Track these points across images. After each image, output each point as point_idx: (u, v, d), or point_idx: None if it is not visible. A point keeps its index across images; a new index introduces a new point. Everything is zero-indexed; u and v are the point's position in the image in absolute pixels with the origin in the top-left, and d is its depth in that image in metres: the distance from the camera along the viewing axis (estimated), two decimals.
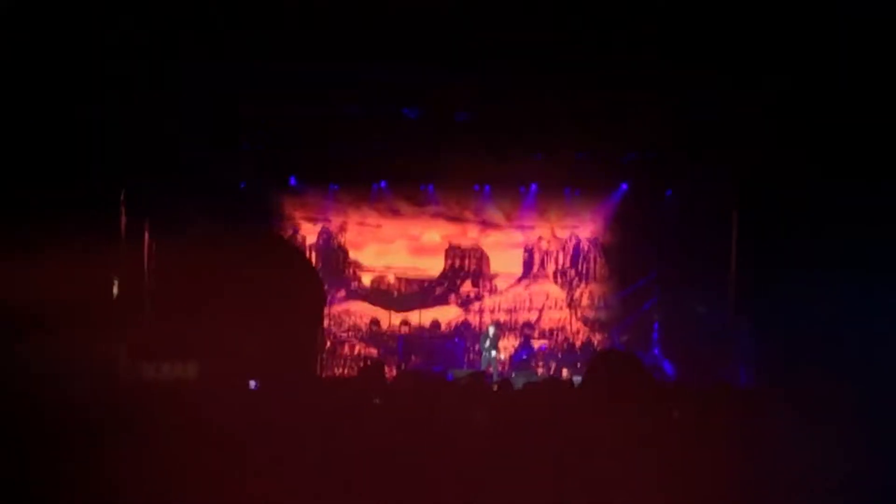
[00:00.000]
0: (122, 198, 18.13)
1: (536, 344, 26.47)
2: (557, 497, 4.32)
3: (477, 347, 25.30)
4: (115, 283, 17.39)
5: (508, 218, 26.96)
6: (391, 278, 26.92)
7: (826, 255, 16.46)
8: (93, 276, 15.33)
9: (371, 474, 4.90)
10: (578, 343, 26.46)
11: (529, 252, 27.31)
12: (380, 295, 26.81)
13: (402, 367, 23.81)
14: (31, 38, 14.25)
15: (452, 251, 27.04)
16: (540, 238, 27.26)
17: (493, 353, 24.23)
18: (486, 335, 24.47)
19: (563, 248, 27.32)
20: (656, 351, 24.80)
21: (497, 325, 25.35)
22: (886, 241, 15.22)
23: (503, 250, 27.27)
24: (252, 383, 5.74)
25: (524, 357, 25.61)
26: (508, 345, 26.25)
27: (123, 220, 18.20)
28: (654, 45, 15.70)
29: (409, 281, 26.94)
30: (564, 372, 24.35)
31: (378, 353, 25.93)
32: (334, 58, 16.55)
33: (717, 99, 18.09)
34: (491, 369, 23.32)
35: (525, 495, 4.43)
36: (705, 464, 4.56)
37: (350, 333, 26.51)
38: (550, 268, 27.33)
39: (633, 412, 4.52)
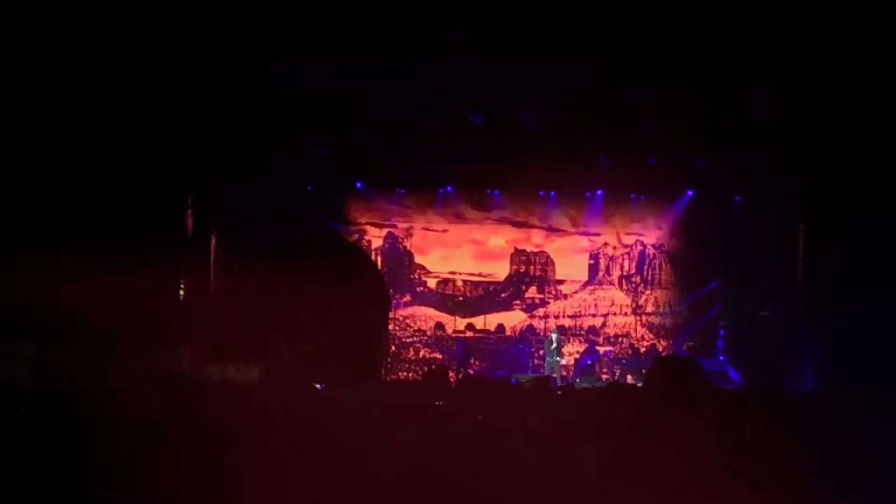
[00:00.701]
0: (188, 200, 18.26)
1: (601, 349, 26.41)
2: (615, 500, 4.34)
3: (541, 352, 25.33)
4: (182, 285, 17.52)
5: (574, 223, 26.92)
6: (457, 283, 26.97)
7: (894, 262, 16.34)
8: (159, 279, 15.45)
9: (435, 477, 4.93)
10: (643, 349, 26.37)
11: (595, 257, 27.28)
12: (445, 299, 26.87)
13: (461, 371, 23.82)
14: (101, 39, 14.38)
15: (518, 256, 27.07)
16: (605, 244, 27.22)
17: (557, 358, 24.27)
18: (550, 341, 24.50)
19: (629, 254, 27.26)
20: (721, 357, 24.67)
21: (560, 330, 25.36)
22: None
23: (568, 256, 27.25)
24: (319, 387, 5.80)
25: (588, 362, 25.55)
26: (573, 350, 26.20)
27: (190, 222, 18.33)
28: (727, 51, 15.64)
29: (474, 285, 26.99)
30: (629, 378, 24.27)
31: (442, 357, 25.98)
32: (401, 61, 16.62)
33: (787, 107, 18.00)
34: (555, 374, 23.31)
35: (584, 498, 4.46)
36: (765, 471, 4.56)
37: (415, 338, 26.57)
38: (616, 273, 27.28)
39: (691, 418, 4.53)
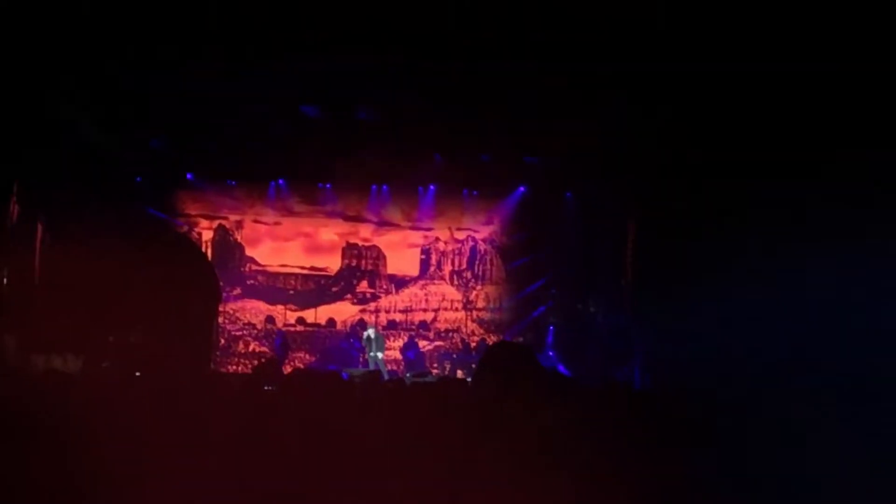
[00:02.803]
0: (14, 189, 17.85)
1: (423, 343, 26.53)
2: (449, 493, 4.33)
3: None
4: (5, 274, 17.12)
5: (406, 218, 27.00)
6: (288, 276, 26.83)
7: (723, 261, 16.64)
8: None
9: (265, 469, 4.87)
10: (473, 344, 26.50)
11: (426, 252, 27.36)
12: (276, 293, 26.72)
13: (278, 363, 23.66)
14: None
15: (349, 250, 27.03)
16: (437, 239, 27.33)
17: (379, 354, 24.32)
18: (368, 338, 24.55)
19: (460, 250, 27.40)
20: (551, 353, 24.91)
21: (377, 327, 25.44)
22: (783, 247, 15.43)
23: (400, 250, 27.32)
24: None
25: (412, 357, 25.64)
26: (401, 344, 26.28)
27: (16, 210, 17.93)
28: (559, 53, 15.79)
29: (305, 279, 26.88)
30: (459, 373, 24.39)
31: (273, 350, 25.83)
32: (234, 53, 16.44)
33: (617, 107, 18.26)
34: (378, 369, 23.31)
35: (416, 491, 4.45)
36: (596, 462, 4.60)
37: (245, 331, 26.38)
38: (447, 269, 27.40)
39: (524, 405, 4.55)
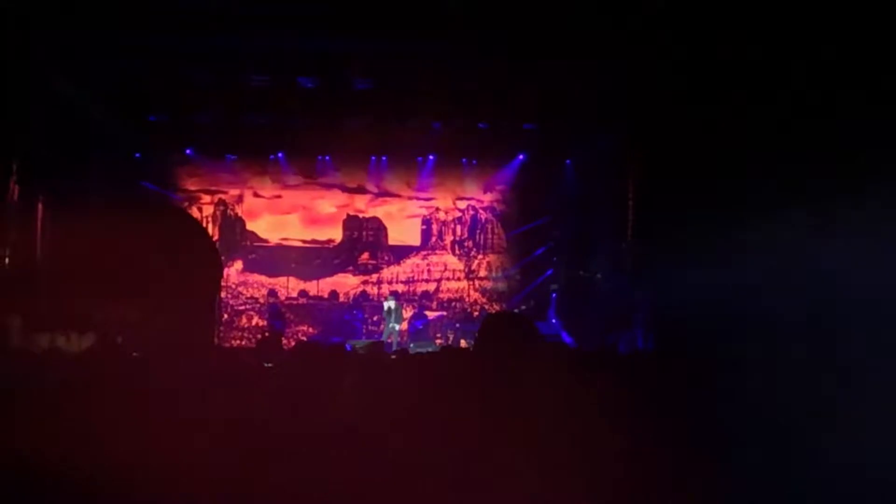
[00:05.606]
0: (14, 168, 17.86)
1: (431, 314, 26.60)
2: (451, 463, 4.36)
3: (375, 318, 25.47)
4: (7, 253, 17.14)
5: (406, 188, 27.00)
6: (288, 249, 26.87)
7: (724, 225, 16.63)
8: None
9: (268, 442, 4.90)
10: (476, 313, 26.55)
11: (427, 223, 27.38)
12: (277, 266, 26.76)
13: (266, 334, 23.67)
14: None
15: (350, 222, 27.05)
16: (437, 209, 27.34)
17: (394, 324, 24.40)
18: (389, 309, 24.62)
19: (461, 219, 27.42)
20: (554, 320, 24.93)
21: (395, 297, 25.45)
22: (786, 205, 15.40)
23: (401, 221, 27.33)
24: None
25: (419, 327, 25.73)
26: (406, 315, 26.34)
27: (16, 189, 17.93)
28: (553, 14, 15.76)
29: (306, 252, 26.91)
30: (462, 342, 24.43)
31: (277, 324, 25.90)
32: (231, 27, 16.42)
33: (613, 73, 18.24)
34: (391, 340, 23.41)
35: (418, 464, 4.48)
36: (596, 429, 4.63)
37: (247, 305, 26.43)
38: (448, 238, 27.42)
39: (523, 374, 4.58)
